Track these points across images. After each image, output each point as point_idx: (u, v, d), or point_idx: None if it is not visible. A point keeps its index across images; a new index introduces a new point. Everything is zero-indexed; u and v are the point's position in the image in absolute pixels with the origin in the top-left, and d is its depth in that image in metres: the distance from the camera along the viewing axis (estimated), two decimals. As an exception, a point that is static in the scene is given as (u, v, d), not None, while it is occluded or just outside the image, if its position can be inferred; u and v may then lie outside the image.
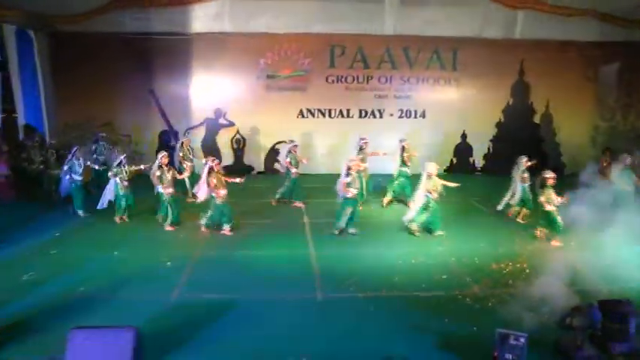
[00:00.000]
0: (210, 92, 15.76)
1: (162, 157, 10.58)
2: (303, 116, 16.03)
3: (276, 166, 15.78)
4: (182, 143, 12.81)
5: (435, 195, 10.26)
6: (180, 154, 12.62)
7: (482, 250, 9.89)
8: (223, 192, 10.13)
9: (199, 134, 15.96)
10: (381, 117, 16.21)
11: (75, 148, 11.53)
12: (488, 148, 16.70)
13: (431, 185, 10.22)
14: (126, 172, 10.95)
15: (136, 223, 11.16)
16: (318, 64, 15.79)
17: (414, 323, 7.02)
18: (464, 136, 16.54)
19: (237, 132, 16.06)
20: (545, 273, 8.37)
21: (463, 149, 16.61)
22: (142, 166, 11.26)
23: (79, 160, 11.38)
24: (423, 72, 16.10)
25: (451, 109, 16.29)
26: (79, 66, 14.82)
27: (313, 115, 16.07)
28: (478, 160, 16.72)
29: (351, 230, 10.32)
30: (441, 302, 7.78)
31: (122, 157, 11.11)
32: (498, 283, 8.45)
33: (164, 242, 10.09)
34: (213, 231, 10.47)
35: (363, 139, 12.39)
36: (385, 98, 16.17)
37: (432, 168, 10.26)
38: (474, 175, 16.32)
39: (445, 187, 10.52)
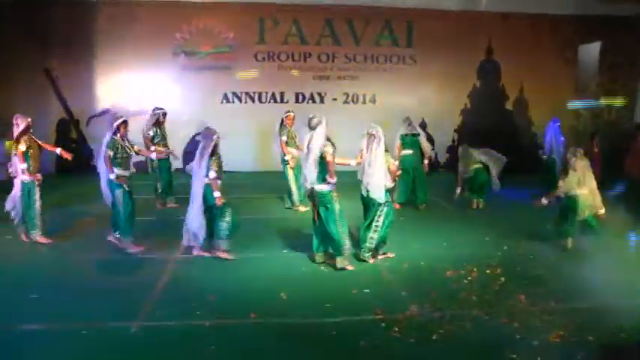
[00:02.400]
0: (119, 72, 12.38)
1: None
2: (227, 101, 12.70)
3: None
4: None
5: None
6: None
7: (436, 253, 6.58)
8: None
9: (105, 123, 12.43)
10: (321, 102, 12.94)
11: None
12: (453, 140, 13.44)
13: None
14: None
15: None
16: (245, 39, 12.56)
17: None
18: (423, 125, 13.17)
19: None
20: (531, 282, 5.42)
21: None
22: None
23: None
24: (371, 49, 12.96)
25: (407, 93, 13.07)
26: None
27: (240, 99, 12.75)
28: (441, 153, 13.41)
29: None
30: (347, 334, 4.37)
31: None
32: (452, 299, 5.06)
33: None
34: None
35: (287, 111, 9.16)
36: (326, 80, 12.94)
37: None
38: (437, 172, 12.87)
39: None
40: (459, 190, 9.16)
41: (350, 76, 12.99)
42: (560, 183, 6.79)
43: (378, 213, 6.06)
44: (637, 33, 13.50)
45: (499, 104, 13.62)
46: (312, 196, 5.94)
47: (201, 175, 5.99)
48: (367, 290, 5.30)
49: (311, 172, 5.79)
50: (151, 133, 9.06)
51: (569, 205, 6.73)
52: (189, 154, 12.90)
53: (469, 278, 5.63)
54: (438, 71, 13.01)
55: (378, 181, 5.99)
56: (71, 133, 12.56)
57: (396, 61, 13.06)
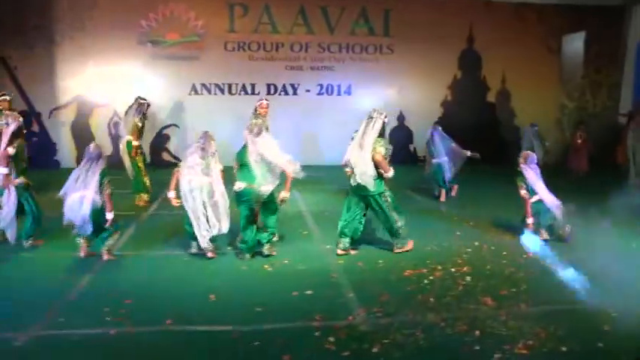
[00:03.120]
0: (82, 62, 11.52)
1: None
2: (196, 92, 11.86)
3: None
4: None
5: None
6: None
7: (384, 247, 5.75)
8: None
9: (68, 116, 11.71)
10: (295, 94, 12.13)
11: None
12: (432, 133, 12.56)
13: None
14: None
15: None
16: (215, 27, 11.73)
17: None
18: (401, 117, 12.47)
19: (115, 113, 11.76)
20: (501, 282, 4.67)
21: (401, 134, 12.46)
22: None
23: None
24: (347, 38, 12.12)
25: (384, 84, 12.31)
26: None
27: (209, 91, 11.91)
28: (420, 146, 12.53)
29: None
30: (271, 345, 3.64)
31: None
32: (406, 303, 4.30)
33: None
34: None
35: (261, 99, 8.58)
36: (300, 71, 12.12)
37: None
38: (416, 166, 12.07)
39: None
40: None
41: (324, 66, 12.17)
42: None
43: (382, 205, 5.51)
44: (622, 23, 12.83)
45: (481, 96, 12.84)
46: None
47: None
48: (310, 292, 4.52)
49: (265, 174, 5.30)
50: (140, 123, 8.17)
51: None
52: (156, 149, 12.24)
53: (430, 278, 4.85)
54: (416, 61, 12.20)
55: (366, 167, 5.34)
56: (32, 126, 11.73)
57: (372, 50, 12.25)
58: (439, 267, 5.16)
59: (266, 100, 8.59)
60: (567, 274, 5.05)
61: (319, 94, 12.22)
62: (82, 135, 11.63)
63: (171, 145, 11.97)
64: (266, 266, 5.24)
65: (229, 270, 5.19)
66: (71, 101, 11.79)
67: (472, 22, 12.46)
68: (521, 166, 6.15)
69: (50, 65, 11.53)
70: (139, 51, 11.66)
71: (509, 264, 5.35)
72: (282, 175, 5.50)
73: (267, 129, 7.72)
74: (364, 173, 5.37)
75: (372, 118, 5.52)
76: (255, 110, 8.36)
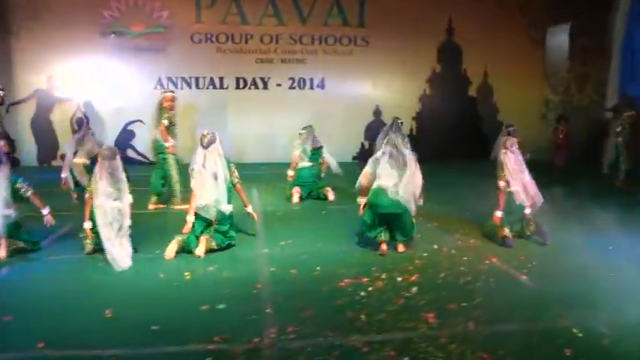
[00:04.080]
0: (41, 54, 10.72)
1: None
2: (162, 86, 10.92)
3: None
4: None
5: None
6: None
7: (342, 256, 5.02)
8: None
9: (27, 111, 10.90)
10: (265, 88, 11.32)
11: None
12: (411, 129, 11.81)
13: None
14: None
15: None
16: (180, 17, 10.92)
17: None
18: (377, 112, 11.68)
19: (78, 108, 11.01)
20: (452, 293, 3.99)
21: (377, 129, 11.59)
22: None
23: None
24: (319, 29, 11.30)
25: (359, 77, 11.54)
26: None
27: (176, 84, 11.07)
28: (396, 143, 11.84)
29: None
30: None
31: None
32: (331, 320, 3.57)
33: None
34: None
35: (165, 91, 7.26)
36: (270, 63, 11.29)
37: None
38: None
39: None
40: None
41: (296, 59, 11.34)
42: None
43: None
44: (609, 14, 12.04)
45: (461, 90, 12.05)
46: None
47: None
48: (223, 306, 3.76)
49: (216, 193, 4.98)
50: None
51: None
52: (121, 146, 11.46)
53: (369, 289, 4.08)
54: (393, 54, 11.34)
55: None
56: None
57: (346, 42, 11.43)
58: (384, 276, 4.39)
59: (171, 91, 7.15)
60: (531, 285, 4.30)
61: (291, 87, 11.39)
62: (43, 131, 10.94)
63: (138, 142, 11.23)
64: (186, 274, 4.47)
65: (144, 277, 4.43)
66: (30, 95, 11.05)
67: (452, 12, 11.62)
68: (503, 152, 5.48)
69: (6, 57, 10.70)
70: (102, 43, 10.85)
71: (467, 272, 4.57)
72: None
73: (173, 124, 6.89)
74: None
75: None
76: (161, 104, 6.80)
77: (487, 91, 12.16)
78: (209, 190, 4.98)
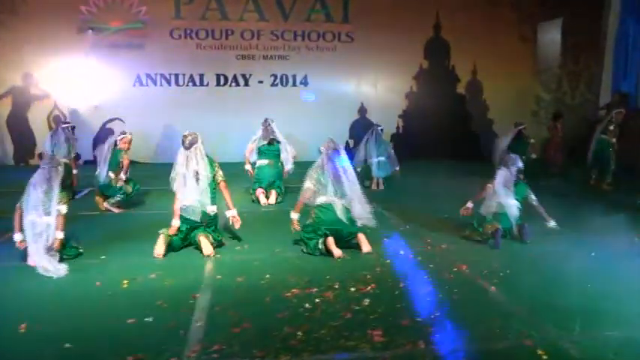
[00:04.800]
0: (17, 51, 10.35)
1: None
2: (140, 84, 10.74)
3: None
4: None
5: None
6: None
7: (298, 262, 4.55)
8: None
9: (3, 109, 10.55)
10: (246, 85, 10.99)
11: None
12: (398, 127, 11.42)
13: None
14: None
15: None
16: (159, 13, 10.64)
17: None
18: (362, 110, 11.29)
19: (55, 106, 10.68)
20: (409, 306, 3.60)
21: (362, 128, 11.17)
22: None
23: None
24: (302, 25, 11.01)
25: (343, 74, 11.22)
26: None
27: (154, 82, 10.78)
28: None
29: None
30: None
31: None
32: (263, 338, 3.17)
33: None
34: None
35: (123, 133, 6.83)
36: (252, 60, 10.97)
37: None
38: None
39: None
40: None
41: (278, 55, 11.02)
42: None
43: None
44: (601, 10, 11.59)
45: (449, 87, 11.64)
46: None
47: None
48: (150, 319, 3.36)
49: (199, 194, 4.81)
50: None
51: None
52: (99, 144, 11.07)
53: (316, 301, 3.64)
54: (378, 50, 11.03)
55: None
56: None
57: (330, 38, 11.08)
58: (337, 285, 3.96)
59: (130, 134, 6.77)
60: (499, 297, 3.88)
61: (273, 85, 11.06)
62: (20, 129, 10.59)
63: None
64: (125, 282, 4.07)
65: (78, 286, 4.01)
66: (6, 92, 10.71)
67: (439, 7, 11.27)
68: (500, 168, 5.21)
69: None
70: (80, 38, 10.52)
71: (430, 282, 4.14)
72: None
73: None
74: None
75: None
76: (116, 144, 6.57)
77: (476, 89, 11.76)
78: (191, 190, 4.81)
